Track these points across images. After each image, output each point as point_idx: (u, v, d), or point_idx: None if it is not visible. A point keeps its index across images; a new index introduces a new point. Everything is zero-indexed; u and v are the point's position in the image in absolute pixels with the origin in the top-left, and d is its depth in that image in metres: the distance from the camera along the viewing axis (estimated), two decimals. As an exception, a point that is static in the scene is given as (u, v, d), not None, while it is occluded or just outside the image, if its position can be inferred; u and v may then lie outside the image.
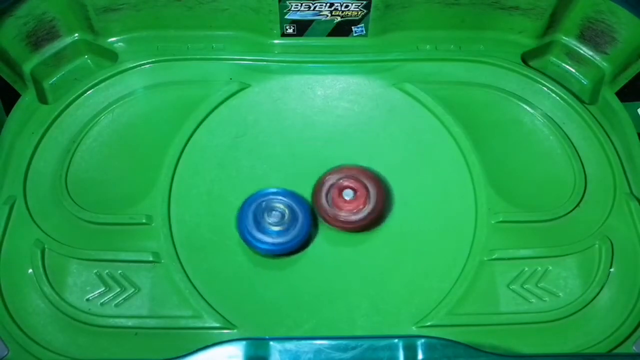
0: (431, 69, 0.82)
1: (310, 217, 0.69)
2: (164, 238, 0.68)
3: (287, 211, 0.68)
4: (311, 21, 0.81)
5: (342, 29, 0.82)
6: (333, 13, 0.80)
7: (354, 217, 0.68)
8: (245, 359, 0.50)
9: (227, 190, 0.73)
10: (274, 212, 0.68)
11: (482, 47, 0.83)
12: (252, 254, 0.69)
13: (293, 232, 0.67)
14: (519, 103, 0.79)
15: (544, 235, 0.70)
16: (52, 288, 0.65)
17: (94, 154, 0.75)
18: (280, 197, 0.69)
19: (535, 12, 0.80)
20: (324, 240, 0.70)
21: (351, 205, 0.68)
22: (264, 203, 0.69)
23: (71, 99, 0.78)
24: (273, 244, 0.67)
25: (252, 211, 0.68)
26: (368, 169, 0.72)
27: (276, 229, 0.67)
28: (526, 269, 0.68)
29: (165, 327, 0.64)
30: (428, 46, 0.83)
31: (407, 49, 0.83)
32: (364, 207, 0.68)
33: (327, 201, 0.69)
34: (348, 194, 0.69)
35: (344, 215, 0.68)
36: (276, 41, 0.83)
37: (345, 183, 0.69)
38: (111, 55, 0.82)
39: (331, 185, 0.69)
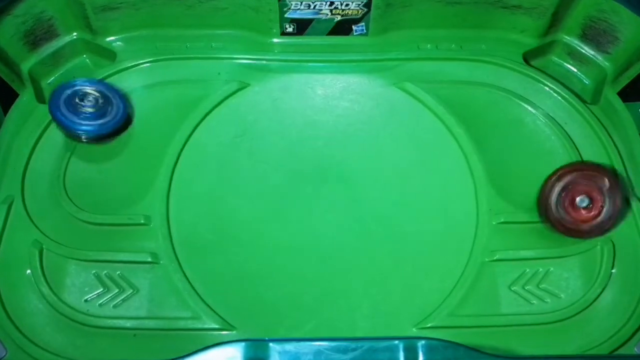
0: (432, 68, 0.81)
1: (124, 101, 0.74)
2: (163, 238, 0.68)
3: (100, 97, 0.72)
4: (311, 20, 0.80)
5: (343, 27, 0.81)
6: (333, 12, 0.80)
7: (580, 226, 0.65)
8: (244, 361, 0.50)
9: (226, 190, 0.72)
10: (88, 98, 0.72)
11: (484, 47, 0.83)
12: (253, 254, 0.68)
13: (110, 115, 0.72)
14: (521, 103, 0.79)
15: (546, 236, 0.69)
16: (50, 289, 0.65)
17: (92, 154, 0.74)
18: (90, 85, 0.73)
19: (537, 11, 0.79)
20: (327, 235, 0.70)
21: (581, 213, 0.65)
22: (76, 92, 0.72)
23: (70, 98, 0.78)
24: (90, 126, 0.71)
25: (64, 100, 0.71)
26: (613, 175, 0.68)
27: (91, 112, 0.71)
28: (527, 270, 0.67)
29: (164, 329, 0.64)
30: (429, 45, 0.83)
31: (408, 48, 0.82)
32: (595, 217, 0.65)
33: (557, 202, 0.66)
34: (583, 201, 0.66)
35: (571, 221, 0.65)
36: (276, 40, 0.82)
37: (581, 187, 0.66)
38: (110, 55, 0.81)
39: (566, 187, 0.66)
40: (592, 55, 0.82)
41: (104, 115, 0.71)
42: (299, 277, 0.68)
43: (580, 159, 0.75)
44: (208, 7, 0.79)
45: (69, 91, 0.72)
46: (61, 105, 0.71)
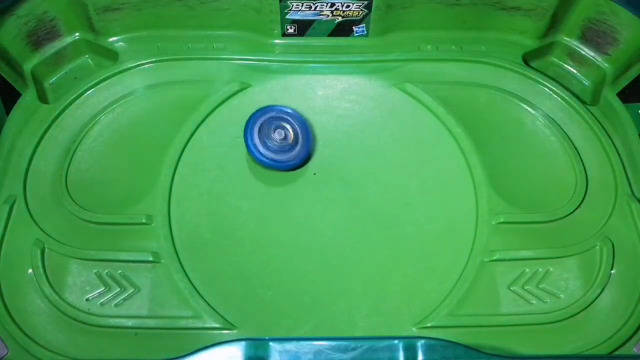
0: (432, 69, 0.81)
1: (310, 141, 0.74)
2: (164, 238, 0.68)
3: (291, 132, 0.72)
4: (312, 21, 0.81)
5: (343, 29, 0.82)
6: (334, 13, 0.80)
7: None
8: (245, 360, 0.50)
9: (227, 190, 0.73)
10: (278, 131, 0.72)
11: (484, 48, 0.83)
12: (253, 254, 0.69)
13: (293, 153, 0.72)
14: (520, 104, 0.79)
15: (545, 237, 0.70)
16: (52, 288, 0.65)
17: (95, 154, 0.75)
18: (287, 116, 0.73)
19: (536, 12, 0.80)
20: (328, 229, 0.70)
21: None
22: (272, 119, 0.73)
23: (72, 98, 0.78)
24: (273, 160, 0.72)
25: (259, 124, 0.72)
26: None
27: (279, 146, 0.72)
28: (527, 270, 0.68)
29: (165, 328, 0.64)
30: (429, 46, 0.83)
31: (408, 49, 0.83)
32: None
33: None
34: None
35: None
36: (277, 41, 0.82)
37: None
38: (112, 55, 0.82)
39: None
40: (592, 57, 0.82)
41: (289, 151, 0.72)
42: (299, 277, 0.68)
43: (579, 160, 0.75)
44: (209, 8, 0.79)
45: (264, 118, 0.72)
46: (255, 131, 0.72)
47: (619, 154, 0.75)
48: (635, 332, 0.64)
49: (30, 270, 0.66)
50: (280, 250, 0.69)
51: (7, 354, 0.62)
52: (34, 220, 0.69)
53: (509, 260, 0.68)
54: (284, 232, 0.70)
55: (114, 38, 0.82)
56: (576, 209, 0.71)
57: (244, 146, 0.76)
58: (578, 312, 0.65)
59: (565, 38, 0.84)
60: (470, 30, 0.83)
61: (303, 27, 0.81)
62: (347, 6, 0.79)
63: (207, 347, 0.51)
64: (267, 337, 0.52)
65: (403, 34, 0.83)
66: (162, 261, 0.67)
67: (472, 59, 0.82)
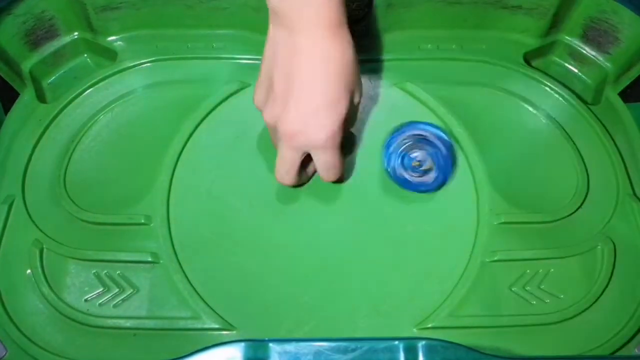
0: (433, 68, 0.81)
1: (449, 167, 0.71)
2: (163, 238, 0.68)
3: (428, 158, 0.69)
4: (312, 20, 0.80)
5: (343, 28, 0.81)
6: (334, 12, 0.79)
7: None
8: (244, 361, 0.50)
9: (226, 190, 0.72)
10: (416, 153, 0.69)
11: (485, 47, 0.83)
12: (253, 254, 0.68)
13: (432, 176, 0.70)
14: (522, 103, 0.79)
15: (546, 237, 0.69)
16: (51, 288, 0.65)
17: (93, 154, 0.74)
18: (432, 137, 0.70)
19: (538, 11, 0.79)
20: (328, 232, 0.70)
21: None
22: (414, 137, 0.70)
23: (70, 98, 0.78)
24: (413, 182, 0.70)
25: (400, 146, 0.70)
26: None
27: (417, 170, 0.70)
28: (528, 270, 0.67)
29: (164, 328, 0.64)
30: (430, 45, 0.83)
31: (409, 48, 0.82)
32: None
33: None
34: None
35: None
36: (277, 40, 0.82)
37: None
38: (110, 54, 0.81)
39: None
40: (593, 56, 0.82)
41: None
42: (299, 277, 0.67)
43: (581, 160, 0.74)
44: (209, 7, 0.79)
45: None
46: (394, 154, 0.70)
47: (620, 154, 0.75)
48: (636, 333, 0.64)
49: (28, 271, 0.66)
50: (279, 251, 0.69)
51: (5, 354, 0.62)
52: (33, 221, 0.69)
53: (510, 260, 0.68)
54: (283, 232, 0.70)
55: (113, 37, 0.82)
56: (577, 209, 0.71)
57: (244, 146, 0.75)
58: (579, 313, 0.65)
59: (567, 37, 0.83)
60: (471, 30, 0.82)
61: (303, 26, 0.81)
62: (347, 5, 0.78)
63: (206, 348, 0.51)
64: (266, 338, 0.52)
65: (403, 33, 0.82)
66: (161, 261, 0.67)
67: (473, 58, 0.82)
